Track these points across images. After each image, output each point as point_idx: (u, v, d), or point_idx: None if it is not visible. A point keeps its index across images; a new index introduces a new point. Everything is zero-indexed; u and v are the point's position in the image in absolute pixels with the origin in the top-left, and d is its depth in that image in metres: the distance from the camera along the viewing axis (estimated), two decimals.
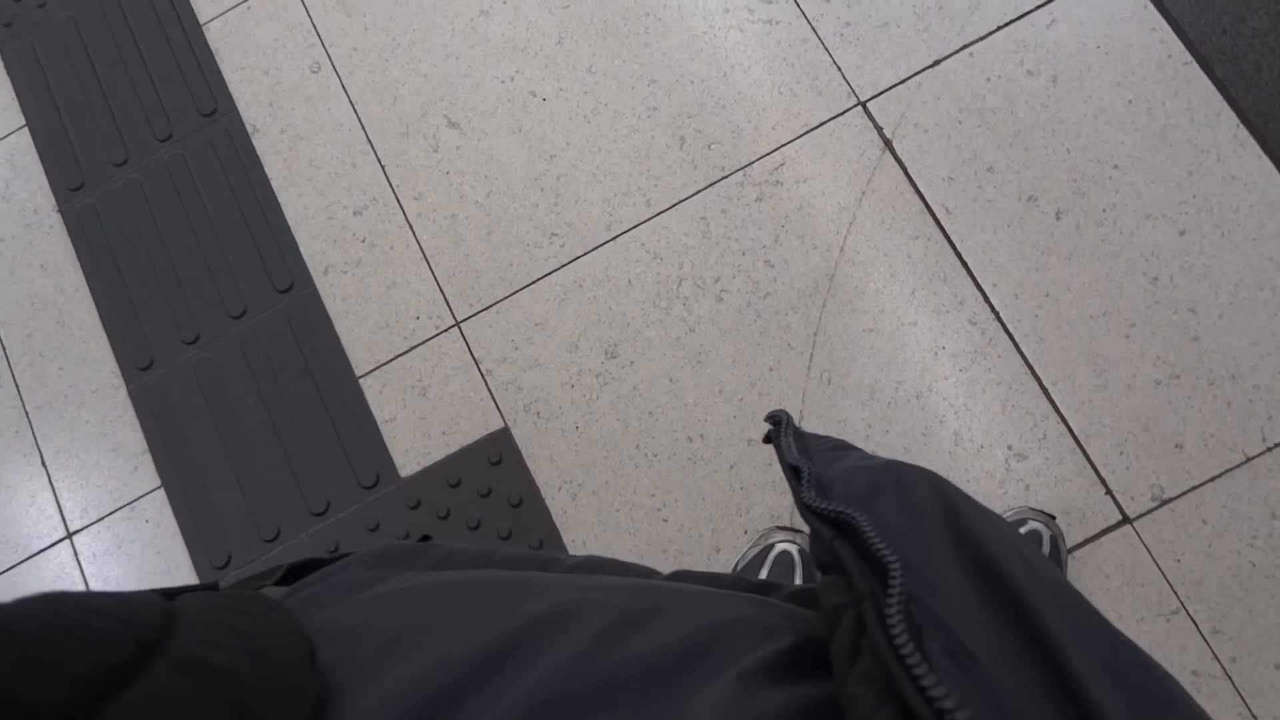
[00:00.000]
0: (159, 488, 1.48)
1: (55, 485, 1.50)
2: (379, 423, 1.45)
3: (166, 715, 0.23)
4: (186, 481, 1.47)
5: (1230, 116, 1.36)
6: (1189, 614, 1.24)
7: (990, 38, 1.43)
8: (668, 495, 1.36)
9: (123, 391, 1.52)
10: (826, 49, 1.46)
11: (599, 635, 0.32)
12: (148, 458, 1.49)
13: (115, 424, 1.51)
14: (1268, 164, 1.34)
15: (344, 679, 0.29)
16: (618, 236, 1.45)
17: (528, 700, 0.28)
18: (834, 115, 1.44)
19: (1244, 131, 1.35)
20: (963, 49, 1.43)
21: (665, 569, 0.54)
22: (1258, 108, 1.35)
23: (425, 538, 0.55)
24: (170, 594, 0.30)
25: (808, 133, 1.44)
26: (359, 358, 1.47)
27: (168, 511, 1.47)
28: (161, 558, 1.46)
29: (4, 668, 0.20)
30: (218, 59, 1.60)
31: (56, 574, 1.47)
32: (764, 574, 1.28)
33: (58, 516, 1.49)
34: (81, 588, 1.46)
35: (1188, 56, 1.38)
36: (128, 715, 0.22)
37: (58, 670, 0.21)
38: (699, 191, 1.45)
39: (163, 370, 1.51)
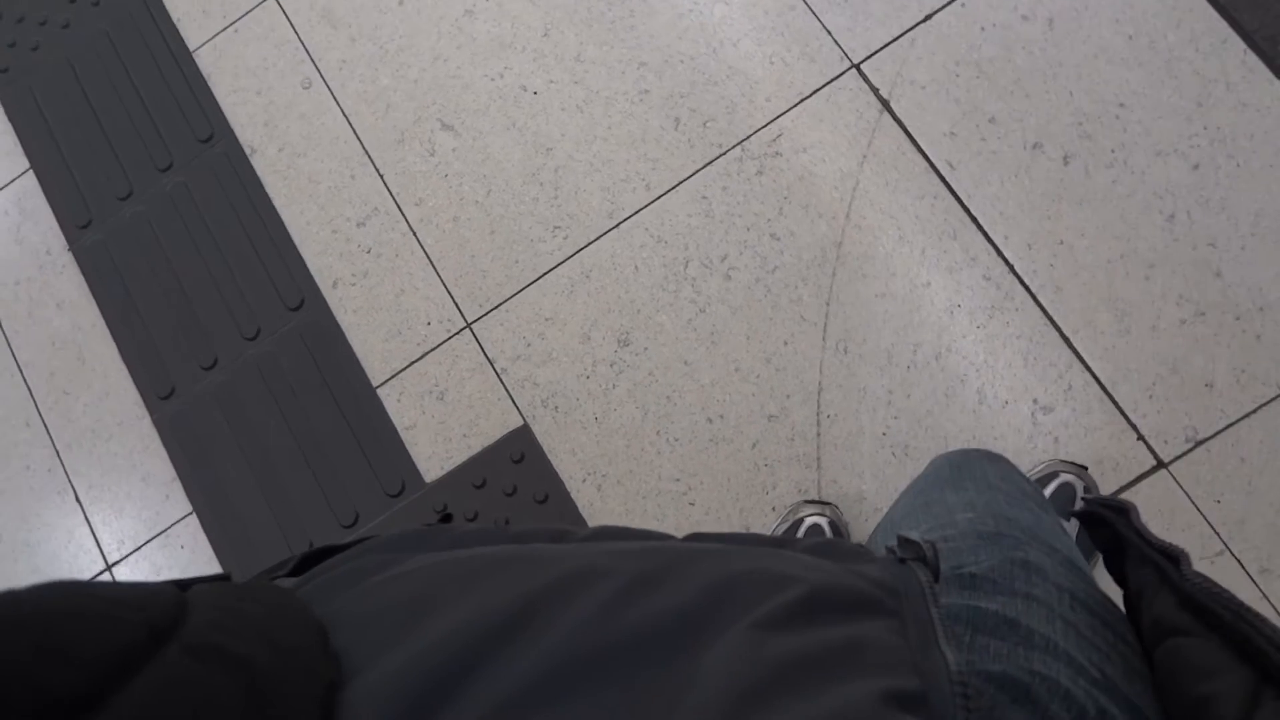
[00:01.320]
0: (191, 513, 1.49)
1: (91, 520, 1.52)
2: (399, 430, 1.45)
3: (178, 698, 0.23)
4: (217, 505, 1.49)
5: (1237, 42, 1.32)
6: (1234, 555, 1.21)
7: None
8: (692, 479, 1.36)
9: (147, 421, 1.53)
10: (815, 14, 1.44)
11: (612, 598, 0.32)
12: (177, 485, 1.50)
13: (143, 454, 1.53)
14: (1279, 87, 1.30)
15: (358, 660, 0.29)
16: (620, 223, 1.44)
17: (541, 666, 0.29)
18: (828, 80, 1.42)
19: (1252, 57, 1.31)
20: (954, 0, 1.40)
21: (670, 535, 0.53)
22: (1265, 30, 1.31)
23: (447, 517, 0.55)
24: (184, 585, 0.30)
25: (803, 101, 1.42)
26: (374, 368, 1.48)
27: (201, 536, 1.48)
28: None
29: (20, 650, 0.21)
30: (210, 84, 1.61)
31: None
32: None
33: (96, 550, 1.51)
34: None
35: None
36: (140, 697, 0.22)
37: (72, 653, 0.22)
38: (698, 171, 1.43)
39: (184, 397, 1.53)
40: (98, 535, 1.52)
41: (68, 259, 1.61)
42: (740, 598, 0.33)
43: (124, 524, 1.51)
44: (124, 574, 1.49)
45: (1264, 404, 1.24)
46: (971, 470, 0.65)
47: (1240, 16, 1.31)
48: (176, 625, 0.25)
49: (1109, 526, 0.49)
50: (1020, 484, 0.65)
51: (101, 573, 1.50)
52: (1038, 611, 0.44)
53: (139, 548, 1.50)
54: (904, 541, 0.43)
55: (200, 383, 1.53)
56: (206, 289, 1.55)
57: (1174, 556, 0.42)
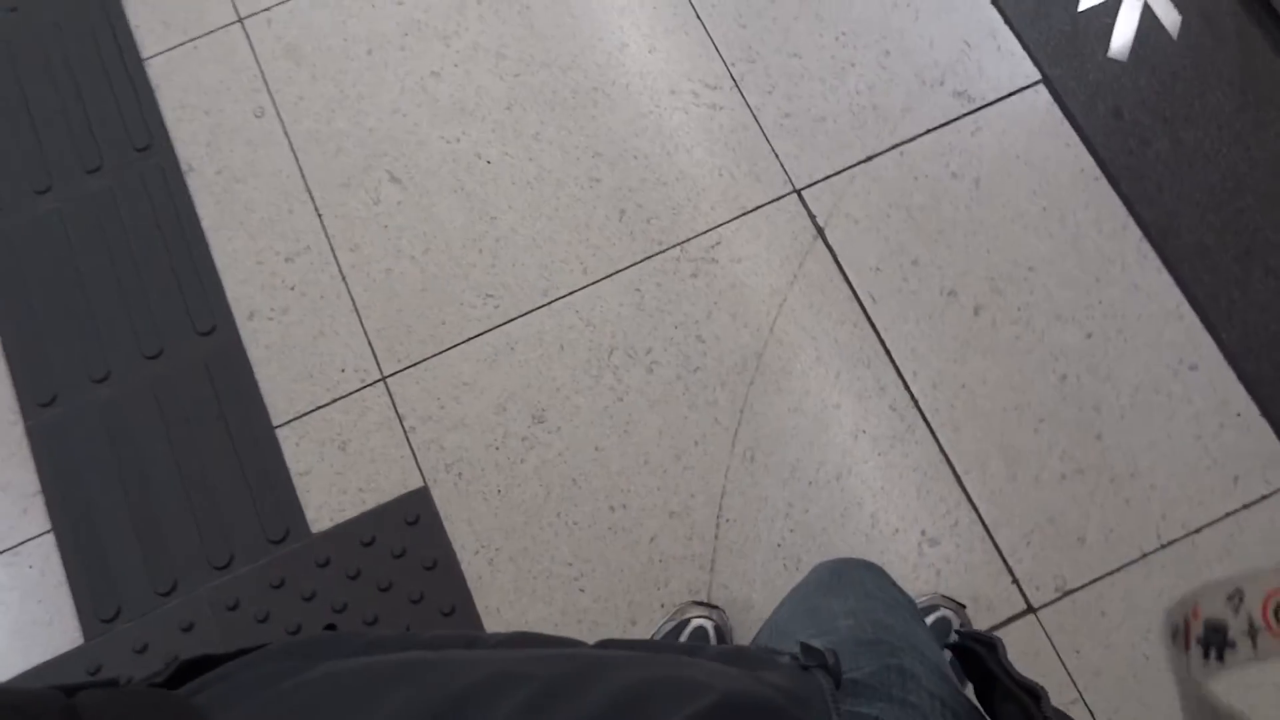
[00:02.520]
0: (48, 532, 1.39)
1: None
2: (293, 475, 1.40)
3: None
4: (79, 527, 1.39)
5: (1135, 230, 1.45)
6: (1087, 705, 1.27)
7: (920, 139, 1.51)
8: (586, 565, 1.35)
9: (20, 428, 1.44)
10: (766, 137, 1.52)
11: (525, 707, 0.32)
12: (40, 500, 1.41)
13: (7, 462, 1.43)
14: (1167, 276, 1.43)
15: None
16: (553, 301, 1.46)
17: None
18: (770, 200, 1.49)
19: (1146, 245, 1.44)
20: (894, 148, 1.51)
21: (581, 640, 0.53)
22: (1158, 224, 1.45)
23: (330, 627, 0.53)
24: (69, 690, 0.29)
25: (744, 215, 1.49)
26: (278, 407, 1.43)
27: (55, 558, 1.38)
28: (43, 607, 1.37)
29: None
30: (157, 95, 1.58)
31: None
32: None
33: None
34: None
35: (1098, 172, 1.48)
36: None
37: None
38: (636, 263, 1.47)
39: (66, 408, 1.44)
40: None
41: None
42: (654, 707, 0.34)
43: None
44: None
45: (1127, 564, 1.32)
46: (851, 578, 0.69)
47: (1140, 208, 1.45)
48: None
49: (979, 660, 0.52)
50: (894, 594, 0.68)
51: None
52: (914, 717, 0.47)
53: None
54: (807, 649, 0.45)
55: (87, 394, 1.45)
56: (111, 297, 1.49)
57: (1035, 694, 0.45)
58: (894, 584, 0.71)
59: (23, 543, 1.39)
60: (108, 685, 0.32)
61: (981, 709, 0.53)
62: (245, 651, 0.40)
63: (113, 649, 1.35)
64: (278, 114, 1.56)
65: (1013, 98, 1.52)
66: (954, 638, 0.57)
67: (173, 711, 0.30)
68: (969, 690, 0.58)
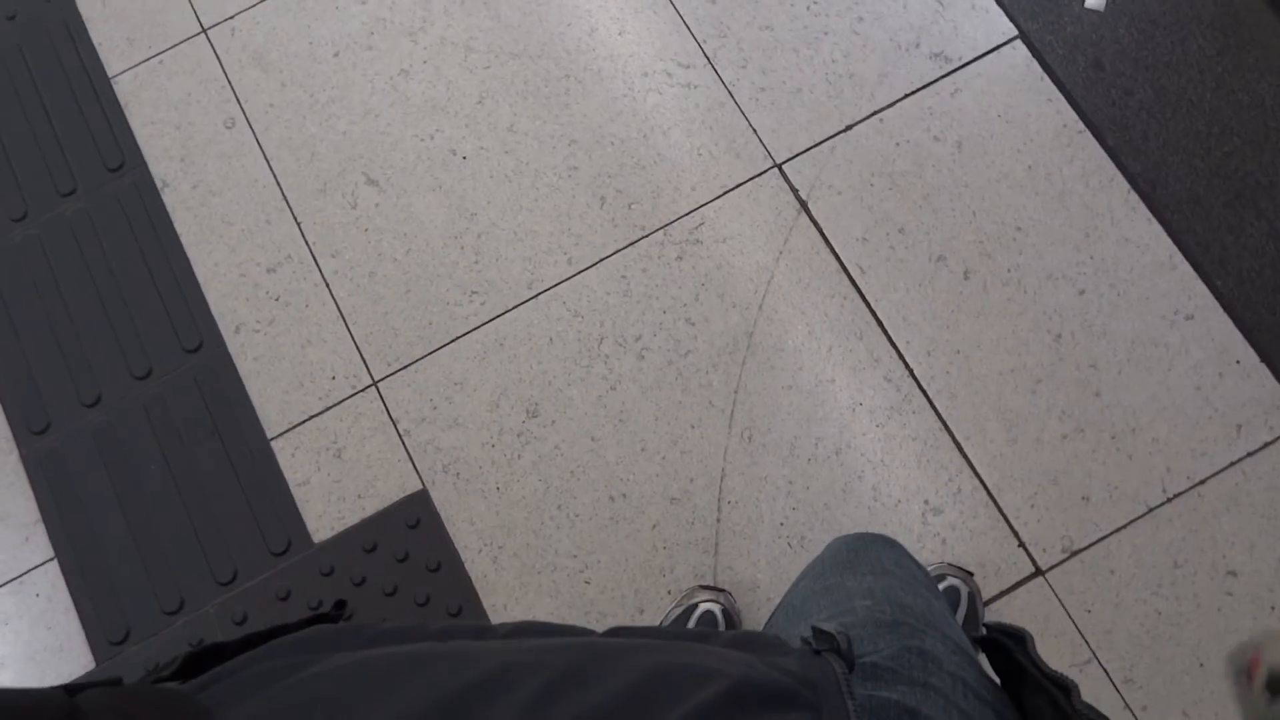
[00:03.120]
0: (52, 559, 1.39)
1: None
2: (291, 486, 1.40)
3: None
4: (82, 552, 1.39)
5: (1121, 182, 1.43)
6: (1101, 664, 1.27)
7: (899, 104, 1.49)
8: (590, 556, 1.35)
9: (15, 456, 1.43)
10: (743, 113, 1.50)
11: (538, 696, 0.32)
12: (41, 528, 1.41)
13: (5, 492, 1.42)
14: (1157, 227, 1.41)
15: None
16: (539, 295, 1.45)
17: None
18: (751, 176, 1.47)
19: (1135, 196, 1.42)
20: (873, 115, 1.49)
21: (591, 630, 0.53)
22: (1146, 174, 1.43)
23: (340, 604, 0.53)
24: (73, 690, 0.29)
25: (726, 193, 1.47)
26: (271, 419, 1.42)
27: (61, 585, 1.38)
28: (53, 634, 1.37)
29: None
30: (126, 113, 1.56)
31: None
32: None
33: None
34: None
35: (1081, 126, 1.46)
36: None
37: None
38: (619, 250, 1.46)
39: (60, 434, 1.44)
40: None
41: None
42: (665, 693, 0.34)
43: None
44: None
45: (1133, 520, 1.31)
46: (868, 554, 0.68)
47: (1126, 160, 1.43)
48: None
49: (1007, 653, 0.51)
50: (912, 569, 0.67)
51: None
52: (935, 700, 0.46)
53: None
54: (818, 633, 0.44)
55: (80, 420, 1.44)
56: (97, 322, 1.48)
57: (1065, 687, 0.44)
58: (911, 558, 0.71)
59: (28, 571, 1.39)
60: (111, 684, 0.32)
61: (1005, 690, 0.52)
62: (254, 639, 0.40)
63: (124, 670, 1.35)
64: (249, 123, 1.54)
65: (990, 55, 1.50)
66: (982, 631, 0.56)
67: (177, 708, 0.30)
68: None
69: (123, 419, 1.44)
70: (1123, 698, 1.26)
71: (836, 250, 1.43)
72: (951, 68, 1.50)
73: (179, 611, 1.37)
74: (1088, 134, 1.45)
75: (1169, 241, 1.41)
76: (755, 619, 1.31)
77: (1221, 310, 1.38)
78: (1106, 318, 1.38)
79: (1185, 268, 1.39)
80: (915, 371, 1.38)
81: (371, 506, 1.39)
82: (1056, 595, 1.30)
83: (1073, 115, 1.46)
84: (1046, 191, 1.44)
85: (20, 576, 1.39)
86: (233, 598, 1.37)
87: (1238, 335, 1.37)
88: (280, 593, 1.37)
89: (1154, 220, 1.41)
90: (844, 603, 0.60)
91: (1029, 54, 1.49)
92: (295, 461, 1.41)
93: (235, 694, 0.34)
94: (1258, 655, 0.42)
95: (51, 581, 1.39)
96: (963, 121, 1.47)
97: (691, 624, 1.27)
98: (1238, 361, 1.36)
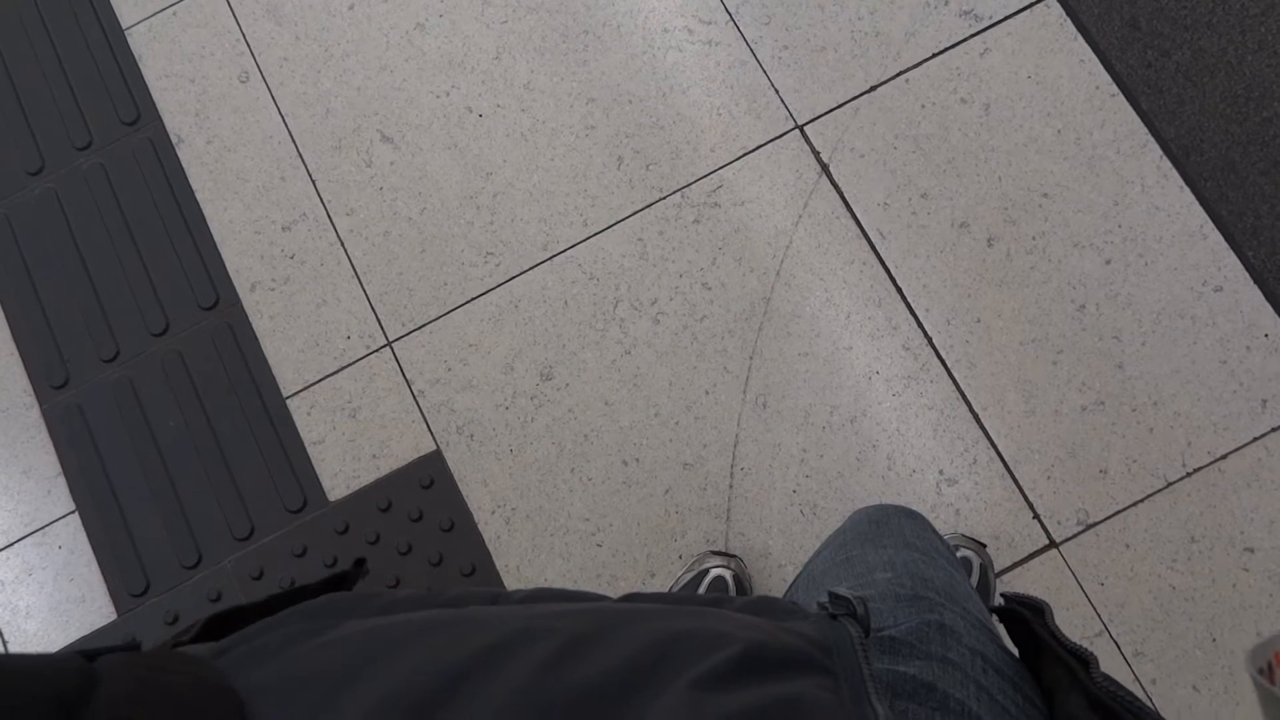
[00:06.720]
0: (73, 512, 1.42)
1: None
2: (307, 445, 1.41)
3: None
4: (103, 506, 1.41)
5: (1154, 148, 1.39)
6: (1112, 637, 1.26)
7: (925, 65, 1.44)
8: (602, 520, 1.35)
9: (36, 411, 1.45)
10: (765, 71, 1.47)
11: (551, 659, 0.32)
12: (62, 481, 1.43)
13: (27, 445, 1.44)
14: (1189, 195, 1.37)
15: None
16: (554, 256, 1.43)
17: None
18: (772, 138, 1.44)
19: (1167, 163, 1.38)
20: (898, 75, 1.45)
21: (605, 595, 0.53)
22: (1180, 140, 1.38)
23: (359, 560, 0.54)
24: (90, 655, 0.29)
25: (745, 155, 1.44)
26: (286, 378, 1.43)
27: (82, 537, 1.41)
28: (75, 585, 1.40)
29: None
30: (141, 66, 1.55)
31: None
32: None
33: None
34: None
35: (1114, 88, 1.41)
36: None
37: None
38: (636, 212, 1.44)
39: (79, 389, 1.45)
40: None
41: None
42: (678, 657, 0.34)
43: None
44: None
45: (1151, 494, 1.30)
46: (889, 527, 0.67)
47: (1160, 124, 1.39)
48: (87, 698, 0.25)
49: (1025, 624, 0.51)
50: (934, 542, 0.67)
51: None
52: (953, 675, 0.46)
53: (11, 544, 1.41)
54: (835, 597, 0.44)
55: (98, 375, 1.45)
56: (114, 277, 1.48)
57: (1084, 659, 0.44)
58: (933, 531, 0.70)
59: (50, 523, 1.42)
60: (129, 649, 0.32)
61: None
62: (275, 600, 0.41)
63: (145, 621, 1.38)
64: (263, 78, 1.52)
65: (1022, 14, 1.45)
66: (999, 601, 0.56)
67: (195, 675, 0.30)
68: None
69: (140, 374, 1.45)
70: (1133, 670, 1.25)
71: (857, 215, 1.41)
72: (981, 26, 1.45)
73: (197, 566, 1.39)
74: (1120, 97, 1.41)
75: (1201, 210, 1.37)
76: (766, 585, 1.31)
77: (1252, 282, 1.34)
78: (1133, 288, 1.35)
79: (1216, 237, 1.36)
80: (934, 340, 1.36)
81: (386, 466, 1.39)
82: (1070, 568, 1.29)
83: (1106, 77, 1.42)
84: (1076, 157, 1.40)
85: (44, 528, 1.42)
86: (249, 553, 1.39)
87: (1268, 308, 1.33)
88: (296, 549, 1.38)
89: (1186, 188, 1.37)
90: (864, 575, 0.60)
91: (1062, 12, 1.44)
92: (311, 420, 1.41)
93: (251, 659, 0.34)
94: (1278, 654, 0.42)
95: (73, 534, 1.41)
96: (991, 83, 1.43)
97: (702, 589, 1.27)
98: (1266, 335, 1.33)
